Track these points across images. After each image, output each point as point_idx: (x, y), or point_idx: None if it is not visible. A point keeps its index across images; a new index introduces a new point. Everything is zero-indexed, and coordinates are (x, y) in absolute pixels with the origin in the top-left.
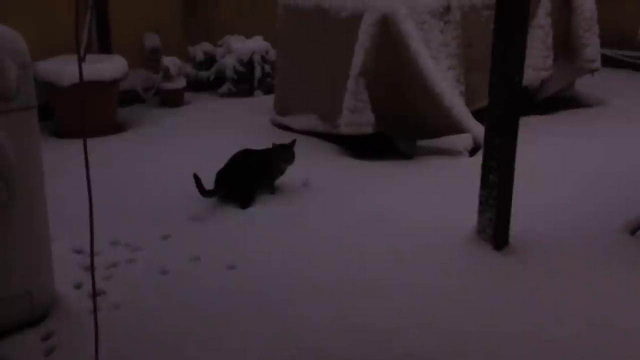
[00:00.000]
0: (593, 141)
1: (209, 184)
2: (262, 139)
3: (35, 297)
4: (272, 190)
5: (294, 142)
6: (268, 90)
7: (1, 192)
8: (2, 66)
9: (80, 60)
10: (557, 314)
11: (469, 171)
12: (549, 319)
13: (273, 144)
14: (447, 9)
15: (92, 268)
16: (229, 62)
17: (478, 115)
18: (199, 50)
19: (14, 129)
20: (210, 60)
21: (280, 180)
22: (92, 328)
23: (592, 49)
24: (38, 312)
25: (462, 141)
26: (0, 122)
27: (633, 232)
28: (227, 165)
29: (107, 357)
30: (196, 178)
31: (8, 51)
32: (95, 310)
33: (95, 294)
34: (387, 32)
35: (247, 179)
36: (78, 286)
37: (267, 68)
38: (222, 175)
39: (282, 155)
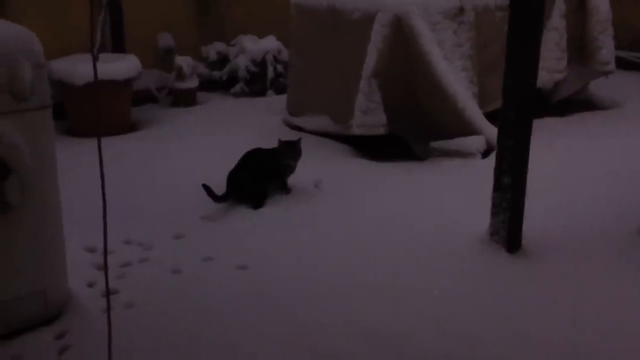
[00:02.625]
0: (607, 143)
1: (221, 184)
2: (274, 139)
3: (49, 295)
4: (287, 190)
5: (299, 139)
6: (280, 91)
7: (16, 191)
8: (17, 66)
9: (95, 59)
10: (570, 318)
11: (481, 173)
12: (563, 323)
13: (279, 140)
14: (461, 10)
15: (105, 267)
16: (241, 62)
17: (491, 116)
18: (212, 50)
19: (28, 129)
20: (223, 60)
21: (293, 181)
22: (105, 327)
23: (607, 51)
24: (52, 310)
25: (475, 143)
26: (15, 121)
27: None
28: (238, 166)
29: (119, 356)
30: (205, 187)
31: (23, 51)
32: (108, 310)
33: (108, 294)
34: (400, 33)
35: (258, 179)
36: (91, 285)
37: (280, 68)
38: (234, 176)
39: (286, 152)
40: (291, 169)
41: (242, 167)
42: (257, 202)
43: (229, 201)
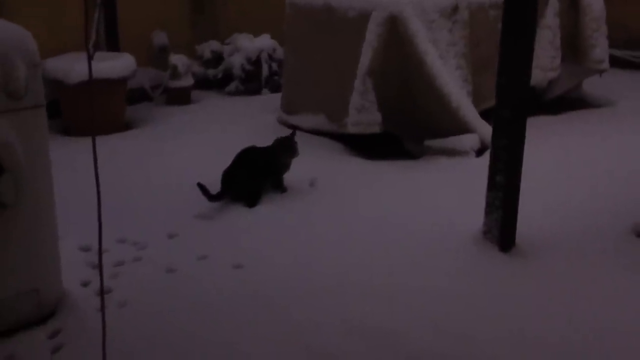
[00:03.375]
0: (601, 142)
1: (216, 182)
2: (269, 137)
3: (42, 294)
4: (282, 188)
5: (293, 133)
6: (275, 89)
7: (9, 190)
8: (11, 65)
9: (90, 58)
10: (565, 317)
11: (475, 171)
12: (558, 322)
13: (276, 139)
14: (455, 8)
15: (100, 267)
16: (236, 61)
17: (485, 114)
18: (207, 49)
19: (22, 128)
20: (218, 59)
21: (288, 180)
22: (99, 326)
23: (600, 49)
24: (45, 309)
25: (469, 141)
26: (9, 120)
27: None
28: (232, 164)
29: (113, 356)
30: (200, 186)
31: (18, 50)
32: (102, 309)
33: (102, 293)
34: (395, 31)
35: (252, 177)
36: (85, 284)
37: (275, 66)
38: (228, 175)
39: (283, 149)
40: (287, 167)
41: (237, 166)
42: (252, 200)
43: (224, 200)
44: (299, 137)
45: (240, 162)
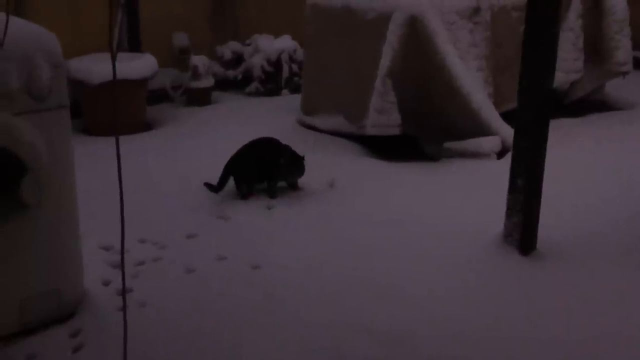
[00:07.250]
0: (623, 145)
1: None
2: (288, 138)
3: (64, 294)
4: (274, 194)
5: (304, 156)
6: (295, 90)
7: (32, 190)
8: (35, 66)
9: (114, 58)
10: (584, 321)
11: (496, 174)
12: (576, 326)
13: (289, 152)
14: (477, 10)
15: (122, 266)
16: (256, 62)
17: (506, 116)
18: (227, 50)
19: (46, 128)
20: (238, 60)
21: (306, 180)
22: (119, 326)
23: (624, 51)
24: (67, 309)
25: (489, 143)
26: (33, 121)
27: None
28: (245, 153)
29: (133, 355)
30: (207, 185)
31: (41, 51)
32: (124, 309)
33: (124, 292)
34: (415, 32)
35: (249, 168)
36: (106, 283)
37: (295, 67)
38: (232, 161)
39: (290, 166)
40: (284, 178)
41: (243, 152)
42: (240, 189)
43: (244, 200)
44: (318, 138)
45: (248, 150)
